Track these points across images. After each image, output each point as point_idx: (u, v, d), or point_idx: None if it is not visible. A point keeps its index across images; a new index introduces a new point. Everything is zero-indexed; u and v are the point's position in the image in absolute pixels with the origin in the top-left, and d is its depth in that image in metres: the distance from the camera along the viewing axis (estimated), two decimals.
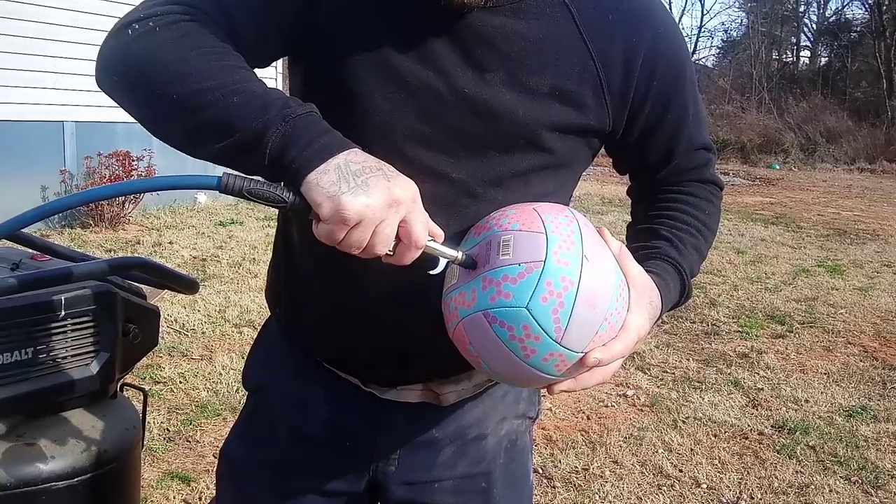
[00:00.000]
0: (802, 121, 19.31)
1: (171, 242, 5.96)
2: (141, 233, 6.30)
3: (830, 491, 2.75)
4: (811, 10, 28.58)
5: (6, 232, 0.78)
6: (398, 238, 0.76)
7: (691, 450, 3.01)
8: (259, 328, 1.14)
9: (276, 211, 0.84)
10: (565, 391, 0.82)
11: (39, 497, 1.11)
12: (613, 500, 2.61)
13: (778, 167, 16.49)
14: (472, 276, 0.80)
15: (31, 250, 1.35)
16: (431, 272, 0.82)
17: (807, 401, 3.57)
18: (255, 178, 0.74)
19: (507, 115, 0.86)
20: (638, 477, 2.78)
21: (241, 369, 1.15)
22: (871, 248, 7.49)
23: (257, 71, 0.82)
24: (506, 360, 0.79)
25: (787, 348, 4.33)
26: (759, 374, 3.90)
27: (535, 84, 0.86)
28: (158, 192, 0.81)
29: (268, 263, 1.12)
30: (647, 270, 0.88)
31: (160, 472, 2.62)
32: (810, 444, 3.12)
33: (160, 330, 1.41)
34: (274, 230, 1.08)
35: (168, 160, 6.27)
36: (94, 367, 1.22)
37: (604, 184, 11.67)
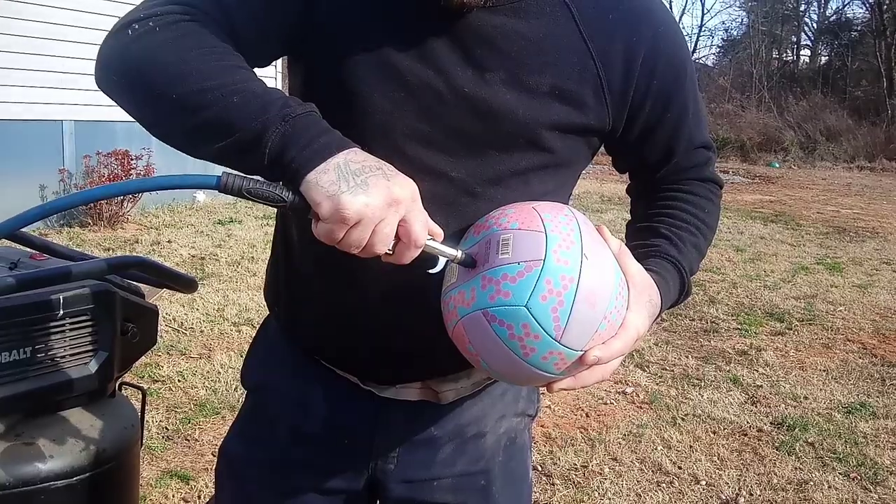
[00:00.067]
0: (802, 119, 19.31)
1: (169, 241, 5.96)
2: (139, 231, 6.30)
3: (829, 487, 2.75)
4: (811, 9, 28.60)
5: (6, 231, 0.78)
6: (398, 237, 0.76)
7: (690, 447, 3.01)
8: (258, 327, 1.14)
9: (275, 210, 0.84)
10: (565, 389, 0.83)
11: (38, 496, 1.11)
12: (613, 497, 2.62)
13: (777, 165, 16.50)
14: (471, 275, 0.80)
15: (29, 249, 1.35)
16: (431, 271, 0.83)
17: (806, 398, 3.57)
18: (254, 177, 0.74)
19: (507, 115, 0.86)
20: (637, 474, 2.78)
21: (240, 368, 1.15)
22: (871, 246, 7.49)
23: (257, 71, 0.82)
24: (505, 359, 0.79)
25: (786, 345, 4.34)
26: (758, 371, 3.90)
27: (535, 83, 0.86)
28: (157, 191, 0.81)
29: (266, 262, 1.12)
30: (646, 268, 0.88)
31: (159, 470, 2.62)
32: (809, 440, 3.13)
33: (159, 329, 1.41)
34: (273, 229, 1.08)
35: (167, 159, 6.27)
36: (93, 366, 1.22)
37: (603, 182, 11.67)
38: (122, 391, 1.38)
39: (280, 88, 0.82)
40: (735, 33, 30.76)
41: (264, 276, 1.12)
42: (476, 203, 0.88)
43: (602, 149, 1.00)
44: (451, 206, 0.88)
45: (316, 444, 1.02)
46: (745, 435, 3.16)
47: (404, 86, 0.85)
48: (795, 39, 28.69)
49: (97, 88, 0.83)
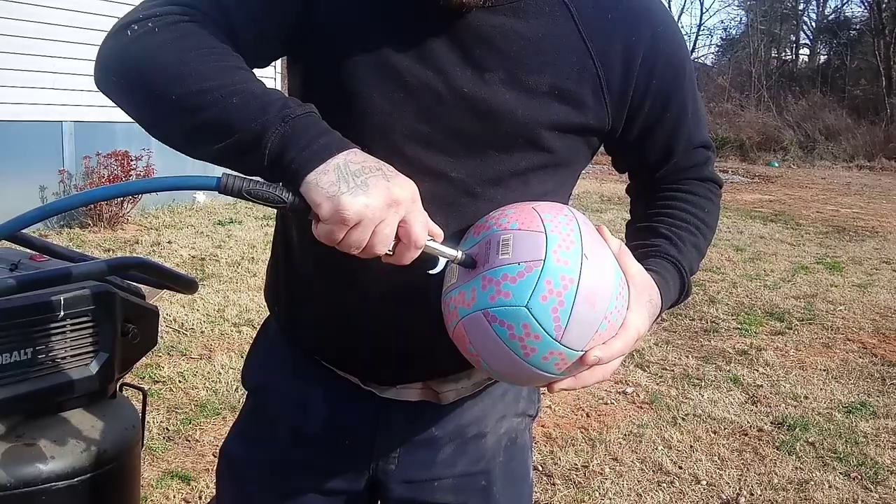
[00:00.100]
0: (801, 118, 19.31)
1: (169, 242, 5.96)
2: (140, 232, 6.29)
3: (830, 487, 2.75)
4: (810, 7, 28.61)
5: (6, 233, 0.78)
6: (398, 238, 0.76)
7: (691, 446, 3.01)
8: (258, 327, 1.14)
9: (275, 210, 0.84)
10: (565, 389, 0.83)
11: (39, 497, 1.11)
12: (613, 497, 2.62)
13: (777, 165, 16.50)
14: (471, 276, 0.80)
15: (29, 251, 1.35)
16: (431, 272, 0.83)
17: (806, 397, 3.57)
18: (254, 178, 0.74)
19: (507, 115, 0.86)
20: (637, 474, 2.78)
21: (241, 368, 1.15)
22: (870, 245, 7.49)
23: (256, 71, 0.82)
24: (506, 359, 0.79)
25: (786, 345, 4.34)
26: (758, 370, 3.90)
27: (535, 83, 0.86)
28: (157, 192, 0.81)
29: (267, 263, 1.12)
30: (646, 268, 0.88)
31: (160, 471, 2.62)
32: (810, 440, 3.13)
33: (159, 329, 1.41)
34: (273, 229, 1.08)
35: (167, 160, 6.26)
36: (94, 367, 1.22)
37: (603, 182, 11.67)
38: (123, 392, 1.39)
39: (279, 89, 0.82)
40: (734, 32, 30.80)
41: (264, 277, 1.13)
42: (476, 203, 0.88)
43: (601, 149, 1.00)
44: (450, 206, 0.88)
45: (316, 444, 1.02)
46: (746, 435, 3.16)
47: (403, 86, 0.85)
48: (794, 38, 28.72)
49: (97, 89, 0.83)
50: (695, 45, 29.31)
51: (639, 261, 0.87)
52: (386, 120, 0.85)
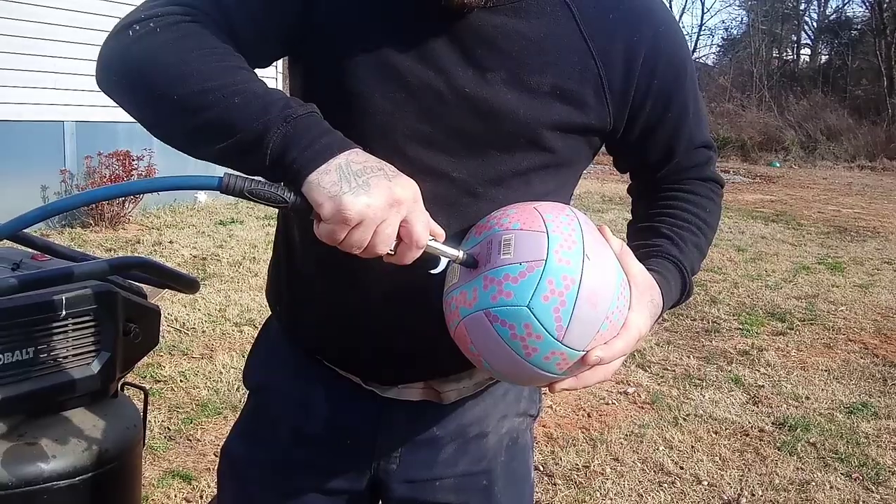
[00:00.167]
0: (803, 118, 19.29)
1: (171, 242, 5.96)
2: (141, 232, 6.30)
3: (831, 487, 2.75)
4: (811, 7, 28.58)
5: (8, 232, 0.78)
6: (399, 238, 0.76)
7: (692, 447, 3.01)
8: (259, 327, 1.14)
9: (277, 210, 0.84)
10: (567, 389, 0.83)
11: (41, 496, 1.12)
12: (614, 497, 2.62)
13: (778, 165, 16.48)
14: (473, 276, 0.80)
15: (31, 250, 1.35)
16: (432, 271, 0.83)
17: (807, 398, 3.57)
18: (256, 178, 0.74)
19: (508, 115, 0.86)
20: (639, 474, 2.78)
21: (242, 368, 1.15)
22: (872, 246, 7.49)
23: (257, 71, 0.83)
24: (507, 359, 0.79)
25: (787, 345, 4.34)
26: (759, 371, 3.90)
27: (536, 83, 0.86)
28: (159, 192, 0.81)
29: (268, 262, 1.12)
30: (648, 268, 0.88)
31: (161, 470, 2.62)
32: (811, 440, 3.13)
33: (161, 329, 1.41)
34: (274, 229, 1.08)
35: (168, 160, 6.27)
36: (95, 367, 1.22)
37: (604, 182, 11.67)
38: (125, 391, 1.39)
39: (281, 89, 0.82)
40: (735, 32, 30.78)
41: (266, 277, 1.13)
42: (477, 203, 0.88)
43: (603, 149, 1.00)
44: (452, 206, 0.88)
45: (318, 444, 1.02)
46: (747, 435, 3.16)
47: (405, 86, 0.85)
48: (795, 38, 28.71)
49: (98, 89, 0.83)
50: (696, 44, 29.31)
51: (640, 261, 0.87)
52: (387, 120, 0.85)
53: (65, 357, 1.18)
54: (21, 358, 1.13)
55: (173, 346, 3.74)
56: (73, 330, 1.19)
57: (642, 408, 3.38)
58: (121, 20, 0.82)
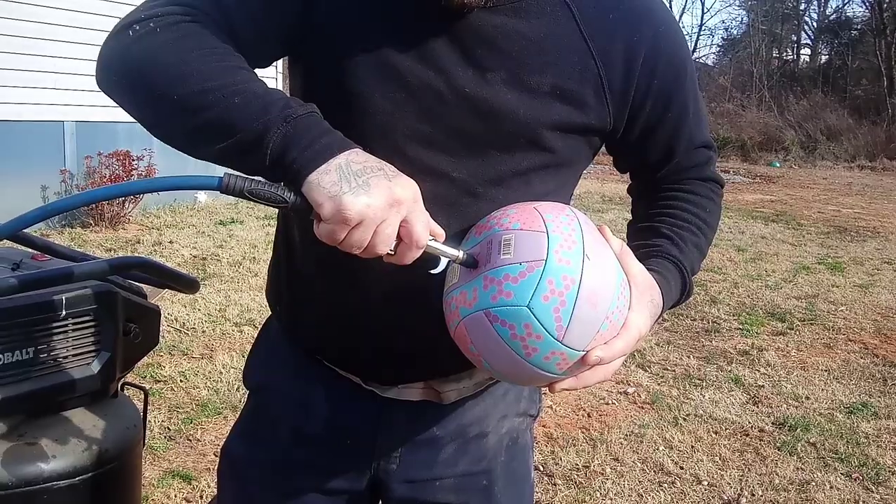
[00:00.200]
0: (803, 118, 19.29)
1: (171, 242, 5.96)
2: (141, 232, 6.30)
3: (831, 488, 2.75)
4: (811, 7, 28.58)
5: (8, 232, 0.78)
6: (399, 238, 0.76)
7: (692, 447, 3.01)
8: (259, 327, 1.14)
9: (277, 210, 0.84)
10: (567, 389, 0.83)
11: (41, 496, 1.12)
12: (614, 497, 2.62)
13: (778, 165, 16.48)
14: (473, 276, 0.80)
15: (31, 250, 1.35)
16: (432, 271, 0.83)
17: (807, 398, 3.57)
18: (256, 178, 0.74)
19: (508, 115, 0.86)
20: (639, 474, 2.78)
21: (242, 368, 1.15)
22: (872, 246, 7.49)
23: (258, 71, 0.83)
24: (507, 359, 0.79)
25: (787, 345, 4.34)
26: (759, 371, 3.90)
27: (536, 83, 0.86)
28: (159, 192, 0.81)
29: (268, 262, 1.12)
30: (648, 268, 0.88)
31: (161, 470, 2.62)
32: (811, 440, 3.13)
33: (161, 329, 1.41)
34: (274, 229, 1.08)
35: (168, 160, 6.27)
36: (95, 367, 1.22)
37: (604, 182, 11.67)
38: (125, 391, 1.39)
39: (280, 88, 0.82)
40: (735, 32, 30.78)
41: (266, 277, 1.13)
42: (477, 203, 0.88)
43: (603, 149, 1.00)
44: (452, 206, 0.88)
45: (318, 444, 1.02)
46: (747, 435, 3.16)
47: (405, 87, 0.85)
48: (795, 38, 28.71)
49: (98, 89, 0.83)
50: (696, 44, 29.32)
51: (640, 261, 0.87)
52: (387, 120, 0.85)
53: (65, 357, 1.18)
54: (21, 358, 1.13)
55: (173, 346, 3.74)
56: (73, 330, 1.19)
57: (642, 408, 3.38)
58: (121, 20, 0.82)
